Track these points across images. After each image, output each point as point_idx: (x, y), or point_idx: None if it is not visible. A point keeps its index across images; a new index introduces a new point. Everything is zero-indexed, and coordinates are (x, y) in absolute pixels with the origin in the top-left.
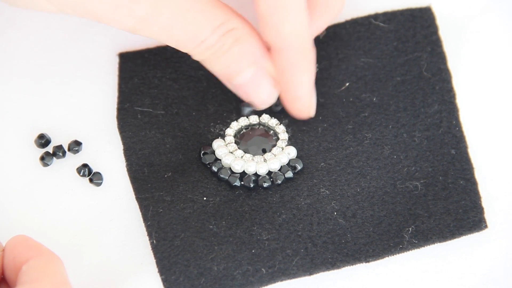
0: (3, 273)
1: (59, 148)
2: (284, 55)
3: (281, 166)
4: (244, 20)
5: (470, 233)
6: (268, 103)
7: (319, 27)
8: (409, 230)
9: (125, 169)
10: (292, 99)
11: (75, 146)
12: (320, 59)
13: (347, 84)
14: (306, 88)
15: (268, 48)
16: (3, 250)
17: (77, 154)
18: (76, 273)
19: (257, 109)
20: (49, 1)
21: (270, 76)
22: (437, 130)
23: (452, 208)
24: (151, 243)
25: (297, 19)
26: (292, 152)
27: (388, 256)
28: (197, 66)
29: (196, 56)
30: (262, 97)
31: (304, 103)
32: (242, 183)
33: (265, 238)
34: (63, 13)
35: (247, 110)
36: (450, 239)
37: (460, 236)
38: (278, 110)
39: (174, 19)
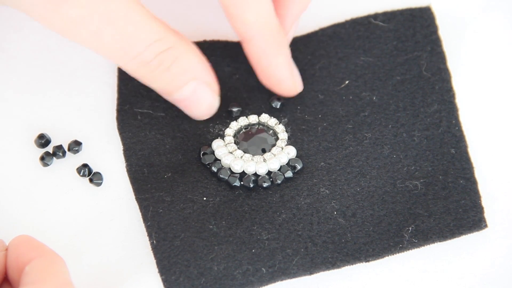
0: (6, 273)
1: (59, 148)
2: (255, 44)
3: (281, 166)
4: (181, 36)
5: (470, 232)
6: (208, 115)
7: (291, 19)
8: (409, 229)
9: (125, 169)
10: (275, 83)
11: (75, 146)
12: (319, 57)
13: (347, 82)
14: (285, 69)
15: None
16: (6, 249)
17: (77, 154)
18: (76, 273)
19: (198, 119)
20: None
21: (210, 88)
22: (436, 129)
23: (452, 208)
24: (151, 243)
25: (259, 6)
26: (291, 151)
27: (388, 256)
28: None
29: (133, 72)
30: (203, 110)
31: (288, 83)
32: (242, 183)
33: (265, 238)
34: None
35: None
36: (450, 238)
37: (460, 236)
38: (278, 107)
39: (104, 24)
